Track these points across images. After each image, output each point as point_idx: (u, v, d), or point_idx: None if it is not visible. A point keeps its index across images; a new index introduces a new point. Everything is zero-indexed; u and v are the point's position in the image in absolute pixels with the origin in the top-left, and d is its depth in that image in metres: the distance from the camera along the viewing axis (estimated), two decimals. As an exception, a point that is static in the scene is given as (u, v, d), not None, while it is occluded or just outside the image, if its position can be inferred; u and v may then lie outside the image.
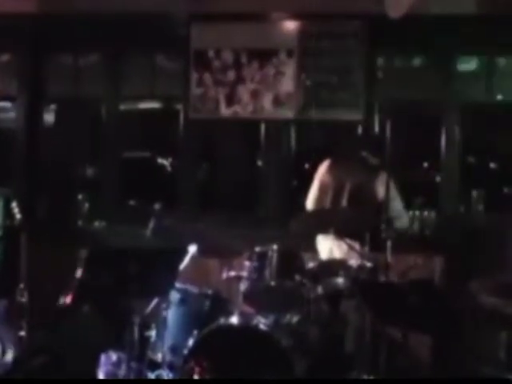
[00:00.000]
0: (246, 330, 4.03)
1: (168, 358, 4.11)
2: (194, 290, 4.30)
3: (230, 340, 3.96)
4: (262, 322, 4.05)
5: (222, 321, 4.06)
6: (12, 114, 6.48)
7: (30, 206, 6.08)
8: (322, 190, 5.06)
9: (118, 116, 6.39)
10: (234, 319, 4.06)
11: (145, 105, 6.69)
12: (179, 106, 6.26)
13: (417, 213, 5.54)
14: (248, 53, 6.04)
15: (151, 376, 4.04)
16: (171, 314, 4.20)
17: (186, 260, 4.19)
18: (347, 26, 5.96)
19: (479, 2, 5.72)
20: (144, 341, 4.09)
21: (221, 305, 4.26)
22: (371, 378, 4.10)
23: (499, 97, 6.05)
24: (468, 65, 6.13)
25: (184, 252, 4.14)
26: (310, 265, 4.36)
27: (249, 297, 4.28)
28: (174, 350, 4.11)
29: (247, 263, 4.31)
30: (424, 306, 3.55)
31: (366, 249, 4.46)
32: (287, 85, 6.00)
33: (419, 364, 4.99)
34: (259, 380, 3.83)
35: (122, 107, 6.43)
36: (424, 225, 5.65)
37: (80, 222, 6.27)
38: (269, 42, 6.02)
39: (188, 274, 4.22)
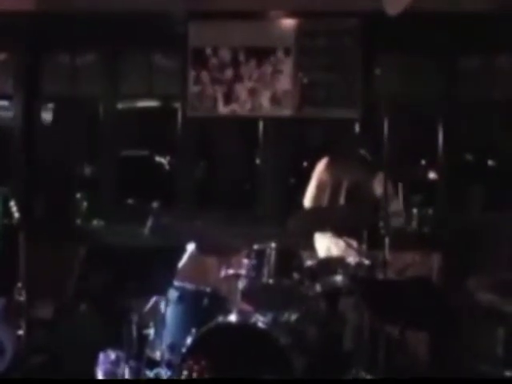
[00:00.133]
0: (245, 328, 4.03)
1: (166, 356, 4.11)
2: (192, 288, 4.30)
3: (229, 338, 3.96)
4: (260, 320, 4.05)
5: (220, 319, 4.06)
6: (9, 113, 6.46)
7: (28, 205, 6.07)
8: (320, 187, 5.06)
9: (115, 114, 6.38)
10: (233, 317, 4.07)
11: (142, 103, 6.68)
12: (177, 105, 6.25)
13: (415, 210, 5.55)
14: (246, 51, 6.03)
15: (150, 374, 4.04)
16: (169, 312, 4.20)
17: (185, 258, 4.19)
18: (344, 23, 5.96)
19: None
20: (142, 339, 4.09)
21: (219, 303, 4.26)
22: (369, 375, 4.10)
23: (498, 95, 6.05)
24: (466, 63, 6.13)
25: (182, 250, 4.14)
26: (308, 263, 4.37)
27: (247, 295, 4.28)
28: (173, 348, 4.11)
29: (245, 261, 4.32)
30: (422, 304, 3.56)
31: (364, 246, 4.46)
32: (285, 83, 6.00)
33: (417, 361, 5.00)
34: (258, 379, 3.83)
35: (120, 106, 6.42)
36: (422, 222, 5.66)
37: (78, 221, 6.27)
38: (266, 40, 6.02)
39: (186, 272, 4.22)
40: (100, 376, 4.09)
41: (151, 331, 4.17)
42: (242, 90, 6.03)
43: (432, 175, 6.22)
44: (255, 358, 3.87)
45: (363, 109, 5.94)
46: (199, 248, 4.33)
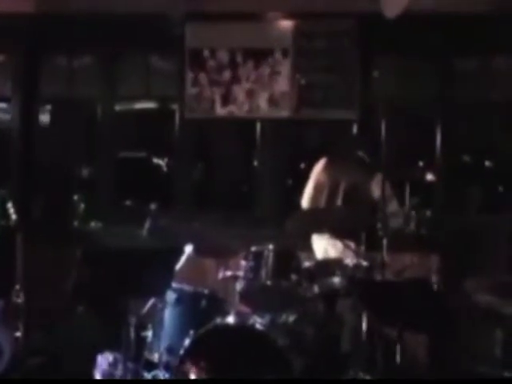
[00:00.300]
0: (243, 329, 4.02)
1: (164, 358, 4.10)
2: (190, 289, 4.29)
3: (227, 340, 3.96)
4: (258, 322, 4.05)
5: (218, 320, 4.06)
6: (8, 115, 6.46)
7: (25, 207, 6.07)
8: (318, 189, 5.06)
9: (113, 116, 6.38)
10: (231, 319, 4.06)
11: (140, 105, 6.68)
12: (174, 106, 6.25)
13: (412, 212, 5.54)
14: (243, 52, 6.03)
15: (148, 376, 4.04)
16: (167, 314, 4.20)
17: (182, 260, 4.19)
18: (342, 25, 5.96)
19: (474, 0, 5.73)
20: (140, 341, 4.09)
21: (217, 304, 4.25)
22: (368, 376, 4.10)
23: (495, 96, 6.05)
24: (464, 64, 6.14)
25: (180, 252, 4.14)
26: (306, 264, 4.36)
27: (245, 296, 4.27)
28: (171, 350, 4.10)
29: (243, 263, 4.31)
30: (420, 305, 3.56)
31: (362, 248, 4.46)
32: (282, 84, 6.00)
33: (416, 363, 5.00)
34: (256, 380, 3.83)
35: (118, 107, 6.43)
36: (420, 224, 5.65)
37: (76, 223, 6.27)
38: (264, 41, 6.02)
39: (184, 274, 4.21)
40: (98, 378, 4.08)
41: (149, 333, 4.17)
42: (239, 92, 6.04)
43: (430, 177, 6.22)
44: (253, 360, 3.87)
45: (361, 110, 5.95)
46: (197, 250, 4.32)
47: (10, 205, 4.63)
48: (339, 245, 4.82)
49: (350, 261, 4.35)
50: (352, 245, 4.68)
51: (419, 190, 5.80)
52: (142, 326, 4.13)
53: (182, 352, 3.96)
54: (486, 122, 6.29)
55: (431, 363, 5.08)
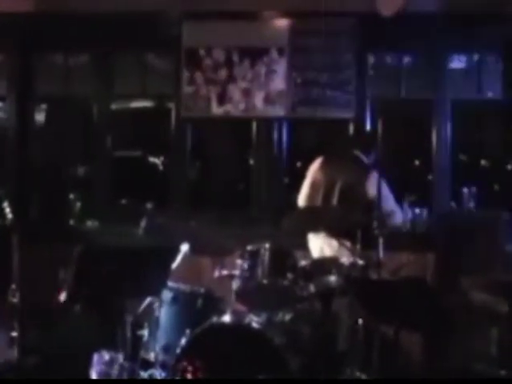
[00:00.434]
0: (239, 328, 4.03)
1: (161, 357, 4.11)
2: (186, 288, 4.30)
3: (223, 339, 3.96)
4: (254, 321, 4.05)
5: (214, 319, 4.06)
6: (3, 114, 6.45)
7: (21, 206, 6.06)
8: (314, 188, 5.06)
9: (109, 115, 6.38)
10: (227, 318, 4.06)
11: (136, 104, 6.68)
12: (171, 105, 6.25)
13: (408, 210, 5.55)
14: (239, 51, 6.03)
15: (144, 375, 4.04)
16: (164, 313, 4.20)
17: (179, 259, 4.19)
18: (338, 23, 5.97)
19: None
20: (136, 340, 4.08)
21: (213, 303, 4.25)
22: (364, 375, 4.10)
23: (490, 94, 6.06)
24: (459, 63, 6.15)
25: (176, 251, 4.13)
26: (302, 263, 4.36)
27: (241, 295, 4.27)
28: (167, 349, 4.11)
29: (239, 261, 4.31)
30: (416, 304, 3.56)
31: (358, 247, 4.46)
32: (278, 83, 6.00)
33: (412, 361, 5.01)
34: (254, 380, 3.83)
35: (114, 106, 6.42)
36: (416, 222, 5.67)
37: (72, 222, 6.26)
38: (260, 40, 6.02)
39: (180, 273, 4.21)
40: (94, 377, 4.08)
41: (145, 332, 4.16)
42: (235, 91, 6.03)
43: (426, 175, 6.23)
44: (249, 359, 3.87)
45: (357, 109, 5.95)
46: (193, 248, 4.32)
47: (5, 204, 4.62)
48: (335, 244, 4.82)
49: (345, 260, 4.35)
50: (348, 244, 4.69)
51: (415, 189, 5.82)
52: (138, 325, 4.12)
53: (178, 351, 3.96)
54: (482, 120, 6.31)
55: (427, 361, 5.09)
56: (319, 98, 5.98)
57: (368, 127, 5.95)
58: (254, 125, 6.14)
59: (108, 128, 6.35)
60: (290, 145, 6.16)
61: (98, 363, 4.07)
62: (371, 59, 6.12)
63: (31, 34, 6.22)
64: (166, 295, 4.19)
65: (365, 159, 5.05)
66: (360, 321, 4.28)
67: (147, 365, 4.09)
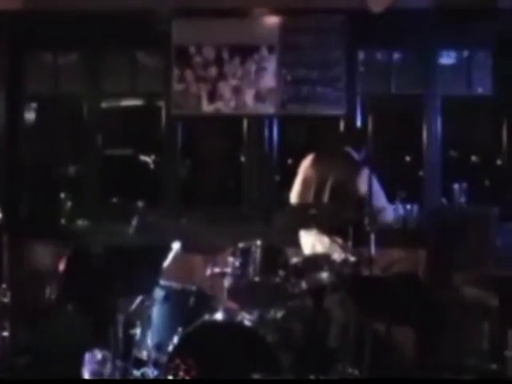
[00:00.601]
0: (231, 326, 4.02)
1: (153, 355, 4.10)
2: (178, 286, 4.29)
3: (215, 336, 3.95)
4: (246, 318, 4.05)
5: (206, 317, 4.06)
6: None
7: (11, 205, 6.03)
8: (305, 185, 5.06)
9: (99, 113, 6.35)
10: (219, 315, 4.06)
11: (126, 102, 6.66)
12: (161, 103, 6.24)
13: (400, 207, 5.56)
14: (229, 49, 6.02)
15: (136, 374, 4.03)
16: (156, 312, 4.19)
17: (170, 257, 4.18)
18: (328, 21, 5.96)
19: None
20: (129, 339, 4.08)
21: (205, 301, 4.25)
22: (356, 371, 4.11)
23: (480, 90, 6.08)
24: (449, 59, 6.16)
25: (168, 249, 4.13)
26: (294, 260, 4.36)
27: (233, 293, 4.27)
28: (159, 347, 4.10)
29: (231, 259, 4.30)
30: (408, 299, 3.57)
31: (350, 243, 4.46)
32: (269, 80, 6.00)
33: (403, 357, 5.02)
34: (250, 380, 3.82)
35: (104, 104, 6.40)
36: (407, 218, 5.67)
37: (63, 221, 6.23)
38: (250, 37, 6.01)
39: (172, 271, 4.21)
40: (86, 376, 4.07)
41: (137, 331, 4.16)
42: (226, 88, 6.03)
43: (416, 171, 6.24)
44: (242, 356, 3.87)
45: (347, 105, 5.96)
46: (185, 247, 4.31)
47: (-5, 203, 4.61)
48: (327, 240, 4.82)
49: (337, 256, 4.35)
50: (339, 240, 4.69)
51: (406, 185, 5.83)
52: (130, 324, 4.11)
53: (170, 349, 3.96)
54: (472, 116, 6.32)
55: (419, 357, 5.10)
56: (309, 95, 5.98)
57: (359, 124, 5.95)
58: (245, 122, 6.13)
59: (98, 126, 6.33)
60: (280, 142, 6.16)
61: (91, 362, 4.06)
62: (361, 56, 6.13)
63: (20, 33, 6.19)
64: (158, 293, 4.18)
65: (356, 156, 5.06)
66: (352, 317, 4.28)
67: (140, 363, 4.09)
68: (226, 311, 4.12)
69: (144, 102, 6.60)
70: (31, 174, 6.39)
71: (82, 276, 3.71)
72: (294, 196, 5.15)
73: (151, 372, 4.05)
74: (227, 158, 6.60)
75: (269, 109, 6.01)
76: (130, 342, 4.08)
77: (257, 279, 4.25)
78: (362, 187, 4.74)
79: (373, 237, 4.27)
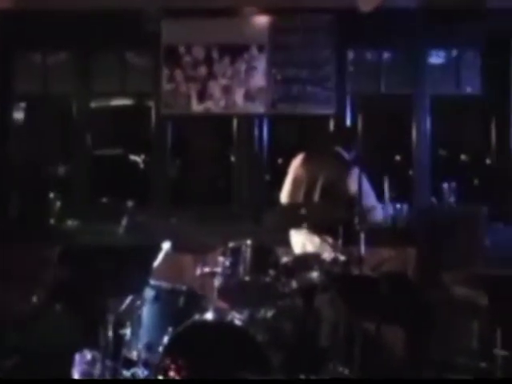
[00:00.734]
0: (221, 325, 4.02)
1: (143, 355, 4.09)
2: (168, 286, 4.28)
3: (205, 336, 3.95)
4: (236, 318, 4.05)
5: (196, 317, 4.05)
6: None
7: (1, 205, 6.01)
8: (296, 184, 5.07)
9: (89, 113, 6.34)
10: (209, 315, 4.06)
11: (116, 101, 6.64)
12: (151, 103, 6.23)
13: (389, 206, 5.57)
14: (219, 48, 6.02)
15: (127, 374, 4.02)
16: (146, 312, 4.19)
17: (160, 257, 4.17)
18: (318, 20, 5.97)
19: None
20: (119, 339, 4.07)
21: (195, 301, 4.24)
22: (347, 370, 4.11)
23: (469, 90, 6.10)
24: (438, 58, 6.18)
25: (158, 249, 4.12)
26: (284, 259, 4.36)
27: (223, 292, 4.27)
28: (149, 347, 4.09)
29: (221, 259, 4.30)
30: (398, 298, 3.58)
31: (340, 242, 4.47)
32: (259, 80, 6.00)
33: (394, 356, 5.03)
34: (239, 380, 3.82)
35: (93, 104, 6.39)
36: (396, 218, 5.69)
37: (52, 221, 6.21)
38: (240, 37, 6.01)
39: (162, 271, 4.20)
40: (76, 377, 4.06)
41: (127, 331, 4.15)
42: (215, 88, 6.02)
43: (406, 170, 6.26)
44: (232, 356, 3.87)
45: (337, 105, 5.96)
46: (175, 246, 4.31)
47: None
48: (317, 240, 4.83)
49: (327, 255, 4.36)
50: (330, 239, 4.70)
51: (396, 184, 5.84)
52: (120, 324, 4.10)
53: (160, 349, 3.95)
54: (461, 115, 6.34)
55: (409, 355, 5.11)
56: (299, 95, 5.98)
57: (348, 123, 5.96)
58: (235, 122, 6.13)
59: (88, 126, 6.31)
60: (270, 141, 6.16)
61: (80, 363, 4.05)
62: (351, 55, 6.14)
63: (10, 32, 6.16)
64: (148, 293, 4.18)
65: (346, 155, 5.06)
66: (342, 316, 4.29)
67: (130, 363, 4.08)
68: (217, 311, 4.12)
69: (134, 101, 6.58)
70: (20, 174, 6.36)
71: (72, 276, 3.70)
72: (284, 196, 5.15)
73: (141, 372, 4.04)
74: (217, 157, 6.60)
75: (259, 108, 6.02)
76: (119, 342, 4.07)
77: (247, 279, 4.24)
78: (352, 186, 4.75)
79: (363, 236, 4.27)
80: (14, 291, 4.53)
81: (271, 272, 4.25)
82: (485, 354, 4.22)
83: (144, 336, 4.15)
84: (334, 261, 4.31)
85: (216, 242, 4.36)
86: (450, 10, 5.73)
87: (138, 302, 4.16)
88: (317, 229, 4.78)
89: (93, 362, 4.01)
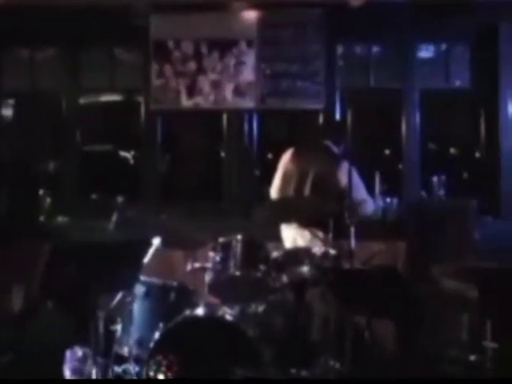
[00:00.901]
0: (212, 321, 4.02)
1: (134, 351, 4.08)
2: (158, 282, 4.27)
3: (196, 332, 3.95)
4: (227, 313, 4.05)
5: (187, 313, 4.05)
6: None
7: (-10, 203, 5.99)
8: (286, 179, 5.06)
9: (78, 109, 6.32)
10: (200, 310, 4.05)
11: (105, 97, 6.62)
12: (140, 98, 6.22)
13: (379, 199, 5.58)
14: (208, 43, 6.01)
15: (118, 370, 4.02)
16: (136, 308, 4.18)
17: (150, 253, 4.17)
18: (307, 14, 5.97)
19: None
20: (110, 335, 4.06)
21: (186, 297, 4.24)
22: (338, 364, 4.12)
23: (458, 83, 6.12)
24: (428, 52, 6.19)
25: (148, 244, 4.11)
26: (275, 254, 4.35)
27: (214, 288, 4.27)
28: (141, 343, 4.09)
29: (212, 254, 4.30)
30: (388, 292, 3.59)
31: (330, 236, 4.47)
32: (248, 75, 5.99)
33: (385, 349, 5.05)
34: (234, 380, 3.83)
35: (82, 100, 6.37)
36: (386, 211, 5.70)
37: (42, 218, 6.19)
38: (229, 31, 6.00)
39: (152, 267, 4.19)
40: (67, 374, 4.05)
41: (118, 327, 4.14)
42: (205, 83, 6.02)
43: (395, 164, 6.27)
44: (223, 351, 3.87)
45: (327, 99, 5.97)
46: (165, 242, 4.30)
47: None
48: (307, 234, 4.83)
49: (318, 249, 4.36)
50: (320, 234, 4.70)
51: (386, 178, 5.86)
52: (111, 320, 4.10)
53: (152, 345, 3.94)
54: (450, 108, 6.36)
55: (400, 349, 5.13)
56: (289, 89, 5.98)
57: (338, 117, 5.97)
58: (225, 117, 6.13)
59: (77, 122, 6.30)
60: (260, 136, 6.17)
61: (71, 360, 4.04)
62: (340, 49, 6.14)
63: (-3, 28, 6.14)
64: (139, 289, 4.17)
65: (335, 149, 5.06)
66: (333, 310, 4.29)
67: (121, 360, 4.07)
68: (207, 306, 4.11)
69: (123, 97, 6.57)
70: (10, 171, 6.33)
71: (62, 273, 3.69)
72: (274, 191, 5.15)
73: (132, 368, 4.03)
74: (207, 152, 6.60)
75: (248, 103, 6.01)
76: (110, 339, 4.06)
77: (238, 274, 4.24)
78: (342, 181, 4.75)
79: (353, 230, 4.28)
80: (3, 289, 4.52)
81: (262, 267, 4.24)
82: (475, 346, 4.24)
83: (135, 332, 4.14)
84: (325, 255, 4.31)
85: (206, 237, 4.35)
86: (439, 3, 5.74)
87: (129, 298, 4.14)
88: (307, 223, 4.78)
89: (84, 359, 4.01)
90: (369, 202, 5.01)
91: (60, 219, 6.13)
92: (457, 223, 5.28)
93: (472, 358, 4.14)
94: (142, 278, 4.14)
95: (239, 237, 4.30)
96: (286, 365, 4.05)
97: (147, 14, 5.97)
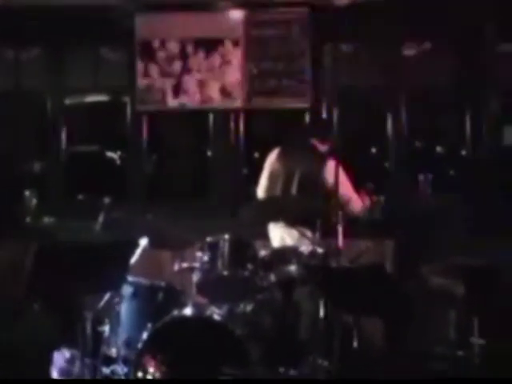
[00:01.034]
0: (200, 320, 4.02)
1: (122, 352, 4.07)
2: (146, 282, 4.27)
3: (185, 331, 3.94)
4: (215, 313, 4.05)
5: (175, 313, 4.04)
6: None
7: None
8: (272, 178, 5.06)
9: (64, 110, 6.30)
10: (188, 310, 4.05)
11: (90, 97, 6.60)
12: (126, 98, 6.20)
13: (366, 198, 5.59)
14: (194, 42, 6.00)
15: (106, 371, 4.01)
16: (124, 308, 4.17)
17: (138, 253, 4.16)
18: (293, 13, 5.97)
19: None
20: (97, 336, 4.05)
21: (174, 297, 4.23)
22: (326, 363, 4.13)
23: (444, 81, 6.14)
24: (414, 50, 6.21)
25: (135, 245, 4.11)
26: (262, 253, 4.36)
27: (202, 287, 4.26)
28: (129, 344, 4.08)
29: (199, 254, 4.29)
30: (376, 290, 3.59)
31: (317, 235, 4.48)
32: (234, 74, 5.99)
33: (373, 347, 5.06)
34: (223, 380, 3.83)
35: (68, 100, 6.35)
36: (374, 210, 5.71)
37: (28, 218, 6.15)
38: (214, 31, 6.00)
39: (140, 267, 4.19)
40: (55, 375, 4.03)
41: (106, 328, 4.13)
42: (191, 82, 6.01)
43: (382, 162, 6.29)
44: (212, 350, 3.87)
45: (313, 98, 5.97)
46: (152, 242, 4.29)
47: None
48: (295, 233, 4.83)
49: (305, 248, 4.36)
50: (307, 232, 4.70)
51: (372, 176, 5.87)
52: (98, 321, 4.09)
53: (140, 345, 3.94)
54: (437, 107, 6.39)
55: (388, 347, 5.15)
56: (275, 88, 5.98)
57: (324, 116, 5.97)
58: (211, 116, 6.12)
59: (62, 123, 6.27)
60: (247, 135, 6.16)
61: (59, 361, 4.03)
62: (326, 48, 6.15)
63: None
64: (126, 290, 4.16)
65: (322, 148, 5.07)
66: (321, 309, 4.30)
67: (109, 360, 4.06)
68: (195, 306, 4.11)
69: (108, 97, 6.55)
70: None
71: (49, 274, 3.67)
72: (260, 190, 5.15)
73: (121, 369, 4.03)
74: (193, 152, 6.59)
75: (234, 102, 6.01)
76: (98, 340, 4.05)
77: (225, 273, 4.24)
78: (329, 179, 4.76)
79: (340, 228, 4.28)
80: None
81: (249, 266, 4.24)
82: (462, 342, 4.26)
83: (123, 333, 4.13)
84: (312, 254, 4.31)
85: (193, 237, 4.35)
86: (424, 1, 5.76)
87: (117, 299, 4.13)
88: (294, 222, 4.78)
89: (72, 360, 3.99)
90: (356, 201, 5.02)
91: (46, 220, 6.09)
92: (444, 221, 5.30)
93: (460, 354, 4.16)
94: (130, 278, 4.13)
95: (226, 236, 4.30)
96: (274, 364, 4.05)
97: (133, 14, 5.95)
